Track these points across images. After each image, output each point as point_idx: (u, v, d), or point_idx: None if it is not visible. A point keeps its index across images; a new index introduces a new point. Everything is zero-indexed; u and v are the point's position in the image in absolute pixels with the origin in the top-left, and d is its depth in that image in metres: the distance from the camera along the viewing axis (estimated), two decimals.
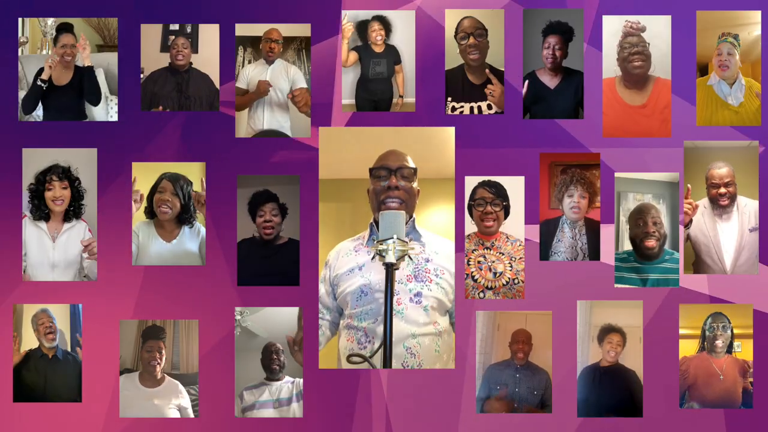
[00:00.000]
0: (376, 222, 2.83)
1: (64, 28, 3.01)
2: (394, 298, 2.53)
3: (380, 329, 2.60)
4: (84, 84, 3.02)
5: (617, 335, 2.95)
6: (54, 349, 2.97)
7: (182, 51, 3.02)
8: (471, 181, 2.97)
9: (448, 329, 2.82)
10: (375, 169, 2.80)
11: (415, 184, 2.80)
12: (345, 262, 2.83)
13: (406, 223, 2.77)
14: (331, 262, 2.88)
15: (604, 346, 2.96)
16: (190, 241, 3.01)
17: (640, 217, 2.96)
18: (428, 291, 2.72)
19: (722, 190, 2.95)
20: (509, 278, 2.95)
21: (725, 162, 2.95)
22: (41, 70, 3.00)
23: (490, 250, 2.97)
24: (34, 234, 2.98)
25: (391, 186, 2.73)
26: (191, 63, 3.04)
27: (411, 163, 2.81)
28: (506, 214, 2.96)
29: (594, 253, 2.97)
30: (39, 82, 2.99)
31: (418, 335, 2.68)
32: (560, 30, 2.98)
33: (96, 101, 3.03)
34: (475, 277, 2.95)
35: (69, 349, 2.98)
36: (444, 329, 2.77)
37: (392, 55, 3.05)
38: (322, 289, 2.89)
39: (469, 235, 2.97)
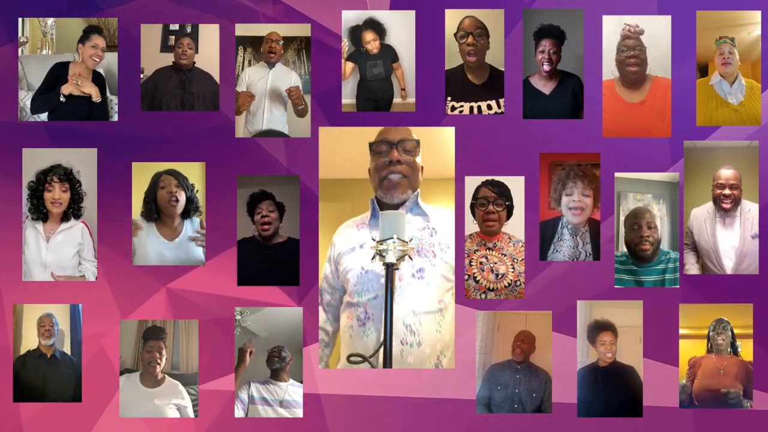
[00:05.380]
0: (377, 200, 2.82)
1: (95, 29, 3.00)
2: (396, 274, 2.46)
3: (380, 309, 2.55)
4: (93, 113, 3.02)
5: (609, 334, 2.94)
6: (51, 347, 2.97)
7: (187, 51, 3.02)
8: (474, 181, 2.97)
9: (452, 307, 2.77)
10: (375, 144, 2.74)
11: (418, 159, 2.73)
12: (347, 241, 2.84)
13: (408, 200, 2.75)
14: (336, 242, 2.88)
15: (597, 347, 2.95)
16: (193, 240, 3.01)
17: (635, 221, 2.96)
18: (431, 266, 2.68)
19: (726, 191, 2.94)
20: (511, 280, 2.95)
21: (734, 166, 2.95)
22: (63, 80, 2.99)
23: (492, 250, 2.97)
24: (31, 235, 2.98)
25: (392, 160, 2.68)
26: (194, 63, 3.04)
27: (414, 135, 2.74)
28: (509, 214, 2.95)
29: (597, 257, 2.97)
30: (62, 97, 2.99)
31: (419, 313, 2.63)
32: (553, 33, 2.97)
33: (105, 119, 3.03)
34: (477, 278, 2.95)
35: (69, 349, 2.97)
36: (447, 306, 2.72)
37: (388, 54, 3.05)
38: (328, 268, 2.90)
39: (471, 235, 2.97)
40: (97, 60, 3.01)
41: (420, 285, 2.67)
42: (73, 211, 2.99)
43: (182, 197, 2.99)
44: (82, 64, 3.02)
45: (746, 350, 2.96)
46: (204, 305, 2.98)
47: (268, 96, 3.08)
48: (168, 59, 3.04)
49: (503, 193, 2.95)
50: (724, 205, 2.95)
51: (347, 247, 2.83)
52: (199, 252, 3.00)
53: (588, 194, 2.93)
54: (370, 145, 2.78)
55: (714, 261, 2.97)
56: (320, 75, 3.02)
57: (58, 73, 3.01)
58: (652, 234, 2.95)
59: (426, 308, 2.68)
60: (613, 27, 2.98)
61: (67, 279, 2.98)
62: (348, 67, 3.02)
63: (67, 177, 2.97)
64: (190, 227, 3.01)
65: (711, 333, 2.96)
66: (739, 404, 2.94)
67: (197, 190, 2.99)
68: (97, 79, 3.03)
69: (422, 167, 2.81)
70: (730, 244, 2.96)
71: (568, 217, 2.96)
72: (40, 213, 2.97)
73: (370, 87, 3.04)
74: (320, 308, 2.93)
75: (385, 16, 3.03)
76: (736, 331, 2.95)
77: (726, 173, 2.95)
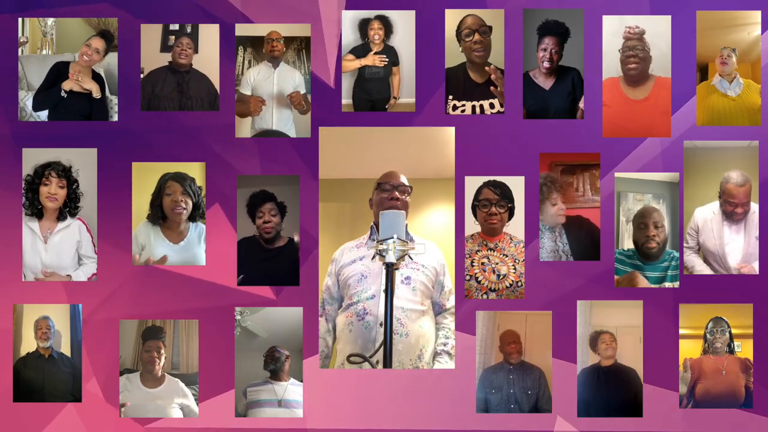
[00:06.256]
0: (376, 225, 2.96)
1: (101, 34, 3.01)
2: (388, 279, 2.71)
3: (377, 306, 2.88)
4: (93, 109, 3.03)
5: (608, 334, 2.96)
6: (49, 349, 2.97)
7: (186, 50, 3.02)
8: (476, 181, 2.98)
9: (431, 312, 2.99)
10: (382, 184, 3.00)
11: (408, 199, 3.02)
12: (348, 256, 3.02)
13: None
14: (337, 257, 3.05)
15: (599, 345, 2.96)
16: (198, 244, 3.00)
17: (642, 220, 2.96)
18: (416, 276, 2.97)
19: (738, 209, 2.95)
20: (513, 281, 2.96)
21: (744, 177, 2.94)
22: (64, 77, 3.00)
23: (494, 251, 2.97)
24: (27, 235, 2.98)
25: (393, 198, 2.98)
26: (191, 64, 3.04)
27: (406, 182, 3.02)
28: (510, 215, 2.97)
29: (577, 252, 2.97)
30: (63, 93, 2.99)
31: (407, 309, 2.92)
32: (557, 31, 2.98)
33: (104, 118, 3.03)
34: (479, 279, 2.96)
35: (69, 349, 2.97)
36: (427, 310, 2.98)
37: (390, 55, 3.05)
38: (329, 281, 3.03)
39: (472, 235, 2.98)
40: (87, 59, 3.00)
41: (407, 289, 2.94)
42: (69, 209, 2.99)
43: (188, 205, 2.99)
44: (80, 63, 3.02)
45: (746, 350, 2.96)
46: (204, 305, 2.98)
47: (276, 96, 3.08)
48: (166, 60, 3.03)
49: (505, 194, 2.96)
50: (737, 219, 2.96)
51: (348, 260, 3.01)
52: (203, 255, 2.99)
53: (564, 201, 3.00)
54: (378, 183, 3.00)
55: (719, 261, 2.97)
56: (320, 75, 3.02)
57: (59, 70, 3.02)
58: (659, 234, 2.96)
59: (412, 307, 2.93)
60: (613, 27, 2.98)
61: (58, 277, 2.98)
62: (351, 60, 3.03)
63: (66, 174, 2.97)
64: (195, 232, 3.02)
65: (708, 335, 2.96)
66: (741, 399, 2.95)
67: (204, 195, 2.99)
68: (97, 79, 3.03)
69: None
70: (737, 245, 2.96)
71: (557, 220, 2.98)
72: (35, 208, 2.97)
73: (366, 87, 3.04)
74: (322, 319, 3.01)
75: (394, 16, 3.02)
76: (735, 331, 2.96)
77: (738, 191, 2.94)
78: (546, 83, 3.00)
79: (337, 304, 3.01)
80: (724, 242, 2.96)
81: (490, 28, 3.00)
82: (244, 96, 3.05)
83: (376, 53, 3.05)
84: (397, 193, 2.97)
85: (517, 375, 2.97)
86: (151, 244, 2.99)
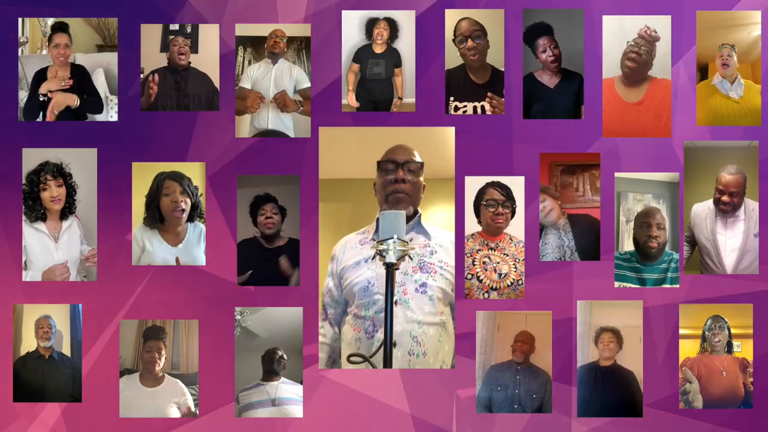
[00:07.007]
0: None
1: (58, 27, 3.00)
2: (400, 288, 2.68)
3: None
4: (86, 102, 3.02)
5: (609, 333, 2.96)
6: (49, 349, 2.97)
7: (183, 48, 3.02)
8: (477, 181, 2.97)
9: (450, 321, 2.86)
10: (382, 162, 2.84)
11: (421, 179, 2.85)
12: (351, 255, 2.88)
13: (412, 218, 2.84)
14: (338, 255, 2.92)
15: (598, 345, 2.96)
16: (197, 244, 3.00)
17: (645, 219, 2.97)
18: (433, 281, 2.78)
19: (725, 198, 2.96)
20: (514, 279, 2.96)
21: (738, 168, 2.95)
22: (43, 80, 3.00)
23: (495, 251, 2.97)
24: (33, 237, 2.97)
25: (397, 179, 2.79)
26: (190, 62, 3.04)
27: (418, 158, 2.86)
28: (512, 216, 2.97)
29: (583, 250, 2.97)
30: (41, 97, 2.99)
31: (423, 324, 2.74)
32: (543, 31, 2.98)
33: (98, 112, 3.03)
34: (480, 278, 2.95)
35: (69, 349, 2.97)
36: (447, 320, 2.83)
37: (392, 57, 3.05)
38: (330, 282, 2.92)
39: (473, 235, 2.98)
40: (63, 59, 3.00)
41: (423, 299, 2.76)
42: (68, 206, 2.99)
43: (187, 205, 2.98)
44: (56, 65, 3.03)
45: (746, 350, 2.96)
46: (204, 305, 2.98)
47: (271, 96, 3.08)
48: (166, 60, 3.03)
49: (510, 195, 2.96)
50: (723, 208, 2.96)
51: (351, 261, 2.86)
52: (202, 255, 2.99)
53: (544, 198, 2.98)
54: (378, 163, 2.86)
55: (714, 259, 2.97)
56: (320, 75, 3.02)
57: (39, 78, 3.01)
58: (661, 235, 2.96)
59: (430, 320, 2.77)
60: (613, 27, 2.98)
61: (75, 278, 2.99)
62: (353, 67, 3.03)
63: (60, 172, 2.97)
64: (193, 233, 3.01)
65: (706, 332, 2.96)
66: (741, 398, 2.95)
67: (201, 194, 2.99)
68: (77, 70, 3.03)
69: (424, 186, 2.87)
70: (731, 242, 2.96)
71: (549, 218, 2.98)
72: (38, 213, 2.97)
73: (369, 88, 3.04)
74: (326, 323, 2.93)
75: (400, 18, 3.02)
76: (735, 331, 2.96)
77: (727, 178, 2.95)
78: (551, 82, 3.00)
79: (341, 307, 2.90)
80: (717, 238, 2.97)
81: (485, 31, 2.99)
82: (244, 91, 3.04)
83: (376, 55, 3.05)
84: (401, 171, 2.79)
85: (524, 376, 2.96)
86: (148, 249, 2.98)
